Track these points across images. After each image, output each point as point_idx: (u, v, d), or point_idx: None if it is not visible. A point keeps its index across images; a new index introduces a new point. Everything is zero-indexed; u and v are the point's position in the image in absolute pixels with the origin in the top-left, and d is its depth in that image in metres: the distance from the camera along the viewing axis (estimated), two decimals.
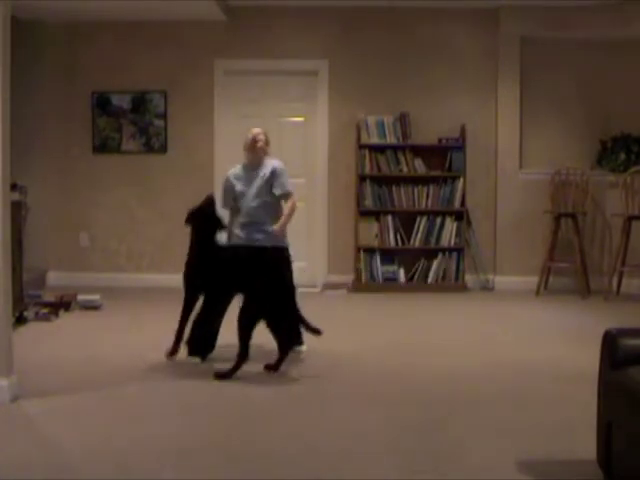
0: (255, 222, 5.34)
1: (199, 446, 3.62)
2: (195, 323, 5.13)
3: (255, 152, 5.46)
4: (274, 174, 5.38)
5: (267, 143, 5.53)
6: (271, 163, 5.45)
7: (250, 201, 5.37)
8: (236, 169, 5.55)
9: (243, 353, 4.65)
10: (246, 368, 4.75)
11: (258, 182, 5.39)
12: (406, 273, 8.27)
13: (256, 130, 5.54)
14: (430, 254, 8.25)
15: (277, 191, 5.37)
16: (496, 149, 8.38)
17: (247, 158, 5.52)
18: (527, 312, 7.17)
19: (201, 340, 5.14)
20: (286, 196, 5.41)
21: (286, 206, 5.41)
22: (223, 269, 4.94)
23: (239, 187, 5.42)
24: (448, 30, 8.35)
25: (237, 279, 4.86)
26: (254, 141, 5.46)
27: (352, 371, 5.06)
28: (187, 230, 5.21)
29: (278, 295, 4.75)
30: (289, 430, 3.88)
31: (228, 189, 5.49)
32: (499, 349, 5.66)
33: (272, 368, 4.81)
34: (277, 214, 5.39)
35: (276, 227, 5.28)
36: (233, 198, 5.47)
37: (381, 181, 8.25)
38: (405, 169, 8.26)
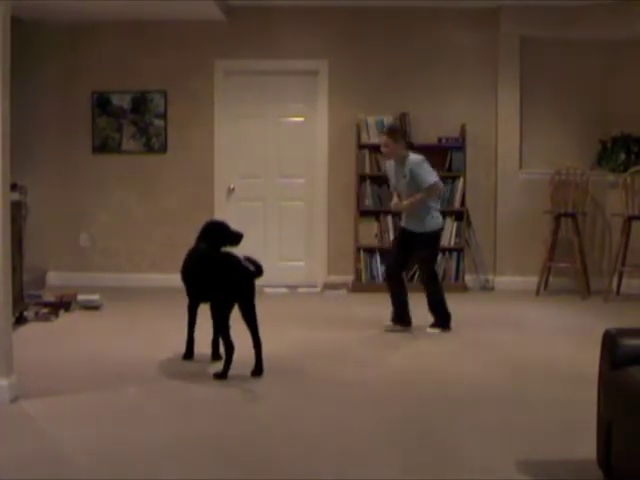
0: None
1: (199, 446, 3.62)
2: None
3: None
4: (411, 172, 6.12)
5: (390, 145, 6.14)
6: (410, 159, 6.15)
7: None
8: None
9: (228, 347, 4.73)
10: (245, 369, 4.77)
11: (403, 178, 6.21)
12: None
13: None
14: None
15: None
16: (496, 149, 8.38)
17: None
18: (527, 312, 7.17)
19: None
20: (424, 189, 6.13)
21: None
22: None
23: (393, 181, 6.35)
24: (448, 30, 8.34)
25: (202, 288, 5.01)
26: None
27: (352, 371, 5.06)
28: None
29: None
30: (289, 430, 3.89)
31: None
32: (499, 349, 5.66)
33: (255, 373, 4.82)
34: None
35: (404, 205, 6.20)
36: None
37: (381, 181, 8.23)
38: None
